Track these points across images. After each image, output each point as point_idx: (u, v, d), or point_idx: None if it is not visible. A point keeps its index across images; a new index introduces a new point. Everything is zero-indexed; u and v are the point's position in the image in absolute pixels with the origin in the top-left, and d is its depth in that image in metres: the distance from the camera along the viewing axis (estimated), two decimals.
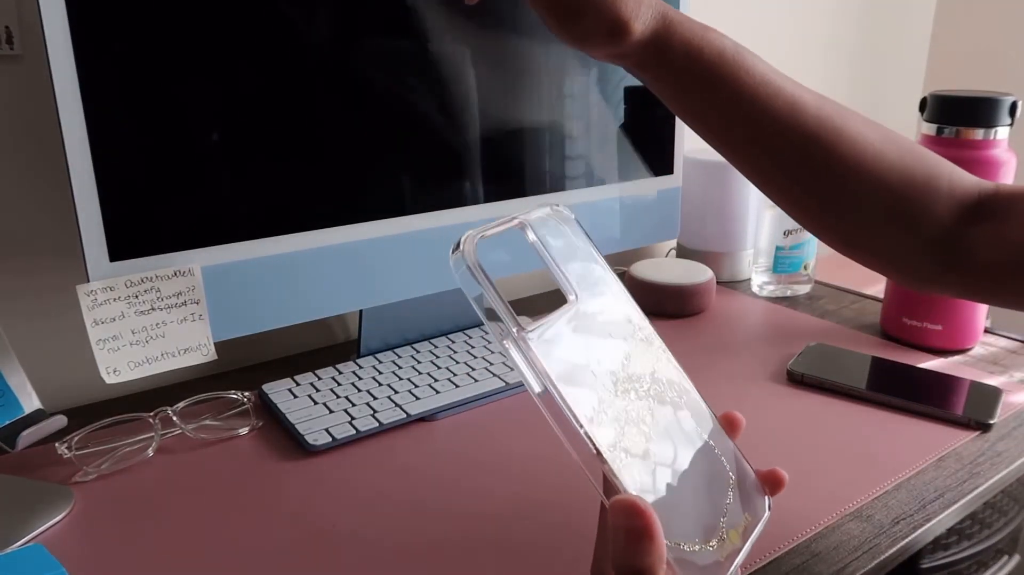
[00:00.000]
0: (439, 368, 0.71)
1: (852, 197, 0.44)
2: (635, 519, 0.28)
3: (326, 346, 0.83)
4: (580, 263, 0.35)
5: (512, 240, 0.34)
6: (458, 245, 0.31)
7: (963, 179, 0.45)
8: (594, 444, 0.29)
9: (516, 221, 0.33)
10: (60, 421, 0.54)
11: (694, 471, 0.33)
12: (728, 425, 0.37)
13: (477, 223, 0.71)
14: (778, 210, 0.91)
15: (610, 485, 0.30)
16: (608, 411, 0.31)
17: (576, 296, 0.33)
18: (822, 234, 0.47)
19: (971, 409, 0.64)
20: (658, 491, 0.31)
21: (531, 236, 0.33)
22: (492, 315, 0.30)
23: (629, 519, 0.28)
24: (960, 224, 0.44)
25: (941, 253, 0.45)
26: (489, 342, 0.76)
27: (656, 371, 0.35)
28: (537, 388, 0.30)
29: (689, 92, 0.46)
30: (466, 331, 0.79)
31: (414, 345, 0.75)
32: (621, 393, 0.32)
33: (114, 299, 0.54)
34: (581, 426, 0.29)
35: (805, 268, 0.93)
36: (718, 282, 0.97)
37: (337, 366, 0.71)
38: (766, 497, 0.36)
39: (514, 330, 0.30)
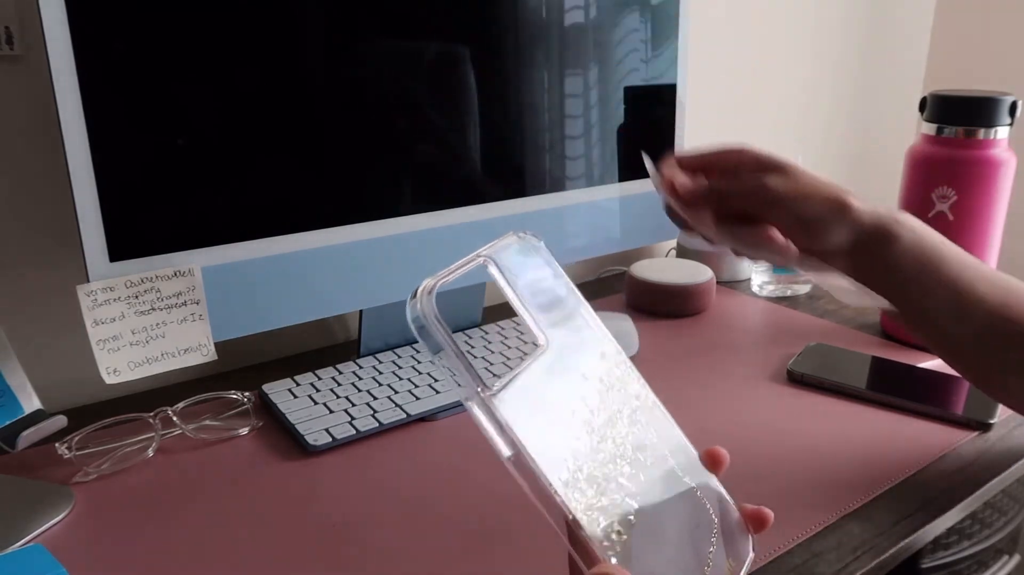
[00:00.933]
0: (439, 368, 0.70)
1: None
2: None
3: (326, 346, 0.83)
4: (549, 297, 0.33)
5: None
6: (415, 294, 0.28)
7: None
8: (569, 510, 0.28)
9: (480, 259, 0.31)
10: (60, 421, 0.54)
11: (676, 521, 0.32)
12: (711, 461, 0.35)
13: (477, 223, 0.71)
14: None
15: (585, 548, 0.28)
16: (584, 468, 0.29)
17: (546, 339, 0.31)
18: (1001, 394, 0.52)
19: (971, 409, 0.64)
20: (638, 551, 0.29)
21: (494, 271, 0.31)
22: (453, 372, 0.28)
23: None
24: None
25: None
26: (489, 342, 0.76)
27: (635, 412, 0.33)
28: (506, 452, 0.28)
29: (904, 281, 0.50)
30: (466, 331, 0.79)
31: (414, 345, 0.75)
32: (598, 443, 0.30)
33: (114, 299, 0.54)
34: (556, 493, 0.27)
35: None
36: (718, 282, 0.97)
37: (337, 366, 0.71)
38: (750, 536, 0.34)
39: (478, 390, 0.28)
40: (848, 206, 0.49)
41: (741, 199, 0.49)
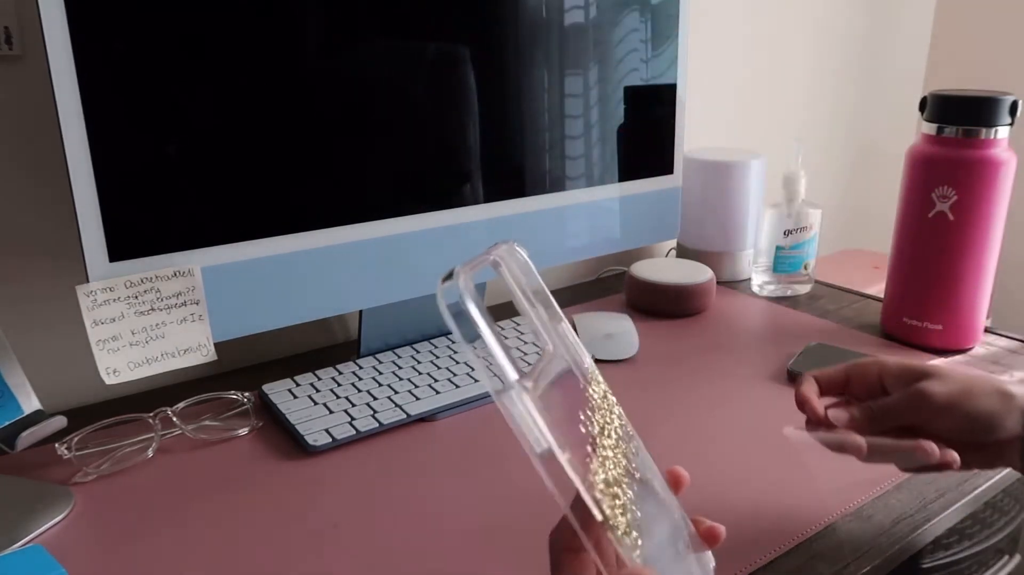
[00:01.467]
0: (439, 368, 0.71)
1: None
2: None
3: (326, 346, 0.83)
4: (542, 304, 0.32)
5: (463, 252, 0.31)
6: (451, 274, 0.27)
7: None
8: (600, 511, 0.27)
9: (491, 259, 0.30)
10: (60, 422, 0.54)
11: (665, 533, 0.32)
12: (673, 481, 0.36)
13: (477, 223, 0.71)
14: (778, 209, 0.91)
15: (609, 550, 0.28)
16: (599, 473, 0.29)
17: (552, 345, 0.30)
18: None
19: None
20: (650, 557, 0.29)
21: (505, 273, 0.31)
22: (487, 361, 0.27)
23: None
24: None
25: None
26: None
27: (617, 424, 0.33)
28: (538, 448, 0.26)
29: None
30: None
31: (414, 345, 0.75)
32: (600, 451, 0.30)
33: (114, 299, 0.54)
34: (587, 493, 0.27)
35: (805, 268, 0.93)
36: (718, 282, 0.97)
37: (337, 366, 0.71)
38: (708, 552, 0.35)
39: (519, 382, 0.26)
40: (1011, 392, 0.48)
41: (899, 414, 0.49)
